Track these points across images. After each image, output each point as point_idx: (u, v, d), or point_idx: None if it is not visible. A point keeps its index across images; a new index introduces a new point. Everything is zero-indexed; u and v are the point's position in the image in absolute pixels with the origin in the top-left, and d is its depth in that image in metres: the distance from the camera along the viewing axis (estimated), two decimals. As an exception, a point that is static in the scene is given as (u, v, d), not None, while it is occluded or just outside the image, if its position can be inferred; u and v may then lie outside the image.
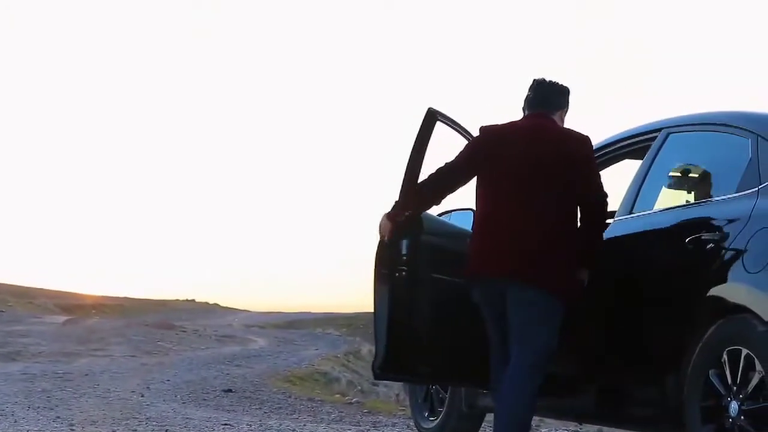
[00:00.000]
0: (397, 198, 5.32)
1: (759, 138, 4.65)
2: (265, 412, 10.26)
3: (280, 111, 69.69)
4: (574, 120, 5.35)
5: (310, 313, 45.34)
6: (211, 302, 49.68)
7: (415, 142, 5.36)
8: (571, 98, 5.29)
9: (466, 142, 5.46)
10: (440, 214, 6.08)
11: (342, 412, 10.28)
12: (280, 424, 8.10)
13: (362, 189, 68.74)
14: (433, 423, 6.26)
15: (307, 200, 71.00)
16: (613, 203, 5.36)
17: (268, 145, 70.55)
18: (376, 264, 5.35)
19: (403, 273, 5.31)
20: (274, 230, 72.10)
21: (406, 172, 5.32)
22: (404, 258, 5.34)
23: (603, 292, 5.11)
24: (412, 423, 6.77)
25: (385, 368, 5.28)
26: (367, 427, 8.41)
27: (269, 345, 22.90)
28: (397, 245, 5.35)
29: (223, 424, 7.99)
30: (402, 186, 5.32)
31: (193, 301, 49.07)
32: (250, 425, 7.94)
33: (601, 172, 5.55)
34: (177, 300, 48.91)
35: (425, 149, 5.39)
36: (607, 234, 5.20)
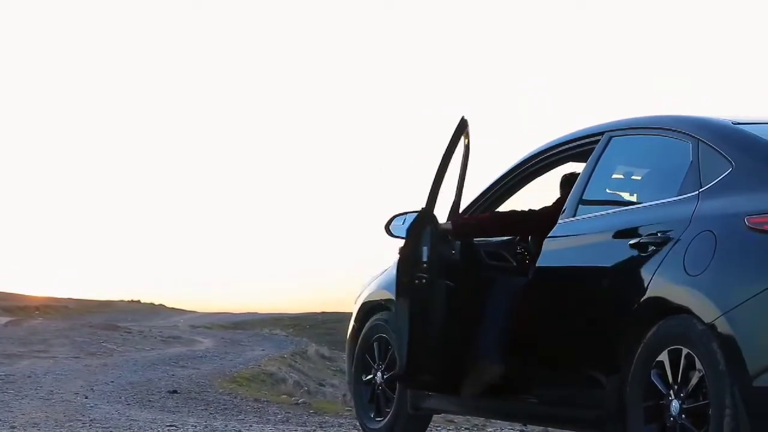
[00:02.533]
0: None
1: (700, 142, 4.75)
2: (211, 413, 10.20)
3: (231, 117, 69.44)
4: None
5: (256, 313, 45.16)
6: (156, 303, 49.29)
7: (447, 148, 5.58)
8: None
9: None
10: (394, 217, 6.12)
11: (288, 412, 10.26)
12: (226, 425, 8.06)
13: (310, 188, 68.55)
14: (379, 424, 6.27)
15: (252, 200, 70.72)
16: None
17: (209, 144, 70.15)
18: (399, 272, 5.56)
19: (423, 281, 5.46)
20: (219, 230, 71.73)
21: (435, 179, 5.58)
22: (424, 266, 5.49)
23: (548, 295, 5.19)
24: (358, 424, 6.76)
25: (408, 375, 5.45)
26: (314, 427, 8.40)
27: (215, 346, 22.79)
28: (418, 253, 5.52)
29: (168, 426, 7.93)
30: (431, 191, 5.60)
31: (138, 302, 48.66)
32: (195, 426, 7.89)
33: (545, 175, 5.73)
34: (122, 301, 48.48)
35: (452, 156, 5.61)
36: (551, 236, 5.28)
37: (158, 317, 39.08)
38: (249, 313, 45.89)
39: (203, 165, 69.94)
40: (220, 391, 12.81)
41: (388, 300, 6.27)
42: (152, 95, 68.22)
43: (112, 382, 13.32)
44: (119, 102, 66.09)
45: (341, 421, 9.18)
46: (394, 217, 6.12)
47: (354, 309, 6.71)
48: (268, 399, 12.05)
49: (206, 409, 10.61)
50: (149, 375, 14.36)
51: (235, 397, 11.88)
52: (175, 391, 12.23)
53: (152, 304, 48.86)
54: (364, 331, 6.47)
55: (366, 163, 66.56)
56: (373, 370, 6.37)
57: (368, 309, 6.52)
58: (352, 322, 6.67)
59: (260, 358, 20.20)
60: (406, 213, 6.05)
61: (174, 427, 7.77)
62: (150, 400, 11.37)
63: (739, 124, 4.83)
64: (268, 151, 68.38)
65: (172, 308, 47.64)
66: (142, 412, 9.84)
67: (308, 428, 8.14)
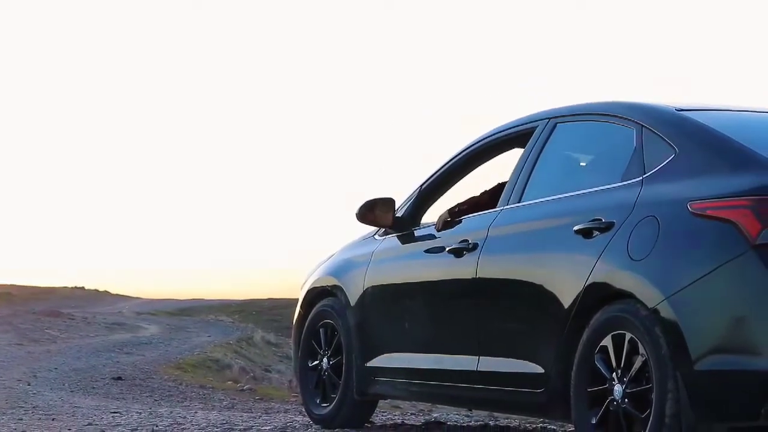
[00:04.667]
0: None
1: (643, 128, 4.80)
2: (156, 400, 10.15)
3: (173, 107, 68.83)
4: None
5: (202, 300, 44.95)
6: (100, 289, 48.86)
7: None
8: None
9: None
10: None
11: (234, 399, 10.23)
12: (171, 412, 8.01)
13: (256, 175, 68.30)
14: (325, 410, 6.28)
15: (199, 186, 70.30)
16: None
17: (158, 130, 69.55)
18: None
19: None
20: (165, 216, 71.22)
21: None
22: None
23: (493, 281, 5.21)
24: (304, 410, 6.76)
25: None
26: (259, 413, 8.38)
27: (160, 332, 22.66)
28: None
29: (112, 412, 7.87)
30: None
31: (83, 288, 48.19)
32: (140, 413, 7.84)
33: (490, 161, 5.78)
34: (65, 287, 47.99)
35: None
36: (496, 223, 5.32)
37: (102, 304, 38.76)
38: (195, 299, 45.68)
39: (151, 151, 69.39)
40: (165, 377, 12.76)
41: (335, 286, 6.31)
42: (107, 79, 67.49)
43: (56, 368, 13.21)
44: (65, 85, 65.30)
45: (287, 407, 9.17)
46: (366, 203, 6.03)
47: (300, 295, 6.71)
48: (213, 385, 12.01)
49: (151, 396, 10.55)
50: (93, 362, 14.25)
51: (180, 384, 11.84)
52: (119, 378, 12.15)
53: (96, 290, 48.42)
54: (310, 317, 6.48)
55: (324, 153, 66.40)
56: (319, 356, 6.38)
57: (314, 295, 6.53)
58: (298, 308, 6.66)
59: (206, 344, 20.12)
60: (375, 200, 6.04)
61: (118, 414, 7.72)
62: (94, 387, 11.29)
63: (682, 110, 4.87)
64: (216, 138, 68.02)
65: (117, 294, 47.28)
66: (86, 399, 9.76)
67: (254, 414, 8.12)
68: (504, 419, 7.88)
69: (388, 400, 7.57)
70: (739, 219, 4.13)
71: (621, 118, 4.96)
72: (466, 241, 5.43)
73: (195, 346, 19.16)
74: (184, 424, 6.77)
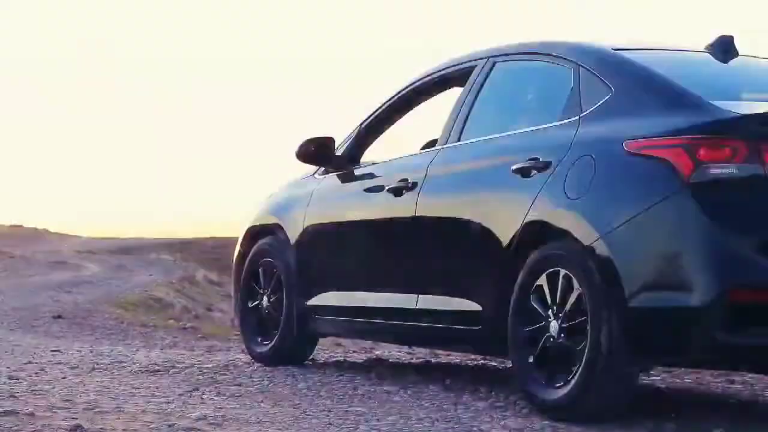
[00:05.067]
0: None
1: (580, 68, 4.83)
2: (97, 338, 10.10)
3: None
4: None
5: (144, 238, 44.63)
6: (39, 228, 48.27)
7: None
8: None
9: None
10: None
11: (176, 337, 10.22)
12: (112, 350, 7.99)
13: (199, 111, 67.66)
14: (266, 347, 6.33)
15: (140, 121, 69.44)
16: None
17: (98, 65, 68.47)
18: None
19: None
20: (105, 152, 70.35)
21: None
22: None
23: (432, 220, 5.26)
24: (245, 347, 6.79)
25: None
26: (201, 351, 8.38)
27: (102, 271, 22.52)
28: None
29: (52, 350, 7.83)
30: None
31: (21, 226, 47.56)
32: (81, 351, 7.81)
33: (430, 99, 5.85)
34: (3, 225, 47.35)
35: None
36: (435, 162, 5.33)
37: (42, 242, 38.37)
38: (136, 238, 45.33)
39: (89, 83, 68.36)
40: (107, 316, 12.69)
41: (275, 224, 6.33)
42: (57, 24, 66.20)
43: (-5, 307, 13.08)
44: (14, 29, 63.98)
45: (229, 345, 9.19)
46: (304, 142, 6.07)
47: (240, 233, 6.73)
48: (155, 324, 11.97)
49: (92, 334, 10.50)
50: (33, 300, 14.12)
51: (122, 323, 11.79)
52: (60, 316, 12.06)
53: (35, 228, 47.82)
54: (250, 255, 6.49)
55: (270, 93, 65.80)
56: (259, 295, 6.41)
57: (255, 233, 6.54)
58: (238, 247, 6.68)
59: (147, 283, 20.03)
60: (314, 138, 6.04)
61: (59, 352, 7.68)
62: (34, 325, 11.20)
63: (619, 50, 4.90)
64: (161, 74, 67.16)
65: (57, 233, 46.77)
66: (26, 337, 9.69)
67: (196, 353, 8.12)
68: (445, 356, 7.96)
69: (330, 338, 7.64)
70: (672, 158, 4.18)
71: (559, 57, 5.00)
72: (406, 180, 5.42)
73: (136, 285, 19.07)
74: (125, 362, 6.76)
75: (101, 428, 3.95)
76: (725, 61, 5.02)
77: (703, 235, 4.10)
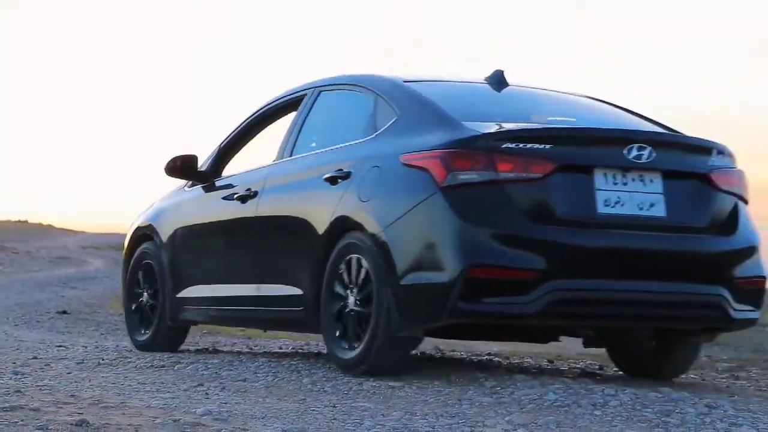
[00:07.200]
0: None
1: (378, 96, 6.00)
2: (102, 334, 10.14)
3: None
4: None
5: (148, 234, 44.59)
6: (45, 223, 48.35)
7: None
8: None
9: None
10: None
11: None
12: (117, 345, 8.01)
13: (198, 106, 67.72)
14: (145, 336, 7.33)
15: (144, 117, 69.48)
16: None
17: (95, 61, 68.51)
18: None
19: None
20: (110, 150, 70.42)
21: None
22: None
23: (267, 221, 6.37)
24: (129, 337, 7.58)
25: None
26: (205, 346, 8.40)
27: (106, 266, 22.55)
28: None
29: (57, 346, 7.85)
30: None
31: (26, 222, 47.64)
32: (86, 347, 7.82)
33: (276, 122, 6.99)
34: (8, 221, 47.41)
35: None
36: (271, 173, 6.48)
37: (47, 238, 38.43)
38: (141, 234, 45.27)
39: (97, 82, 68.42)
40: (111, 311, 12.72)
41: (152, 230, 7.41)
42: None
43: (-1, 302, 13.11)
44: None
45: (234, 341, 9.20)
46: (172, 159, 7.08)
47: (127, 236, 7.81)
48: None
49: (97, 330, 10.54)
50: (38, 296, 14.17)
51: (127, 318, 11.77)
52: (64, 312, 12.10)
53: (40, 224, 47.92)
54: (133, 257, 7.56)
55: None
56: (140, 291, 7.45)
57: (137, 237, 7.60)
58: (124, 250, 7.76)
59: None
60: (180, 156, 7.03)
61: (64, 348, 7.69)
62: (39, 321, 11.24)
63: (408, 81, 6.06)
64: (165, 72, 67.24)
65: (62, 229, 46.85)
66: (31, 333, 9.72)
67: (200, 348, 8.13)
68: (449, 351, 7.98)
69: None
70: (431, 167, 5.34)
71: (364, 87, 6.17)
72: (250, 189, 6.55)
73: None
74: (130, 357, 6.78)
75: (106, 423, 3.96)
76: (499, 90, 6.23)
77: (451, 227, 5.24)
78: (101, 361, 6.59)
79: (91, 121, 67.79)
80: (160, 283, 7.19)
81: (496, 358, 7.26)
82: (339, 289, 5.69)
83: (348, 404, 4.81)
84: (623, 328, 5.88)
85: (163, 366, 6.32)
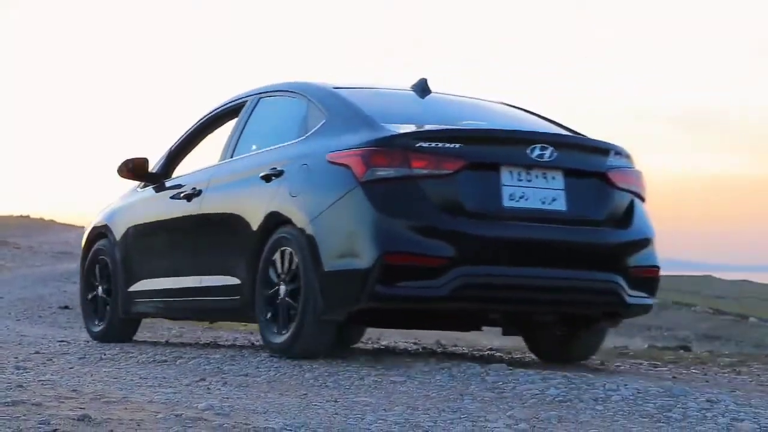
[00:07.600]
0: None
1: (309, 101, 6.51)
2: (104, 329, 10.09)
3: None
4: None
5: (150, 229, 44.60)
6: (47, 218, 48.37)
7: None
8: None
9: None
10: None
11: (182, 327, 10.24)
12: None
13: (199, 102, 67.77)
14: (99, 327, 7.81)
15: (145, 114, 69.56)
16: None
17: (105, 58, 68.56)
18: None
19: None
20: (112, 145, 70.46)
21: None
22: None
23: (209, 217, 6.84)
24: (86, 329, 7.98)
25: None
26: (207, 341, 8.41)
27: (108, 262, 22.51)
28: None
29: (59, 341, 7.86)
30: None
31: (28, 217, 47.66)
32: (88, 341, 7.84)
33: (217, 130, 7.53)
34: (10, 216, 47.44)
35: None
36: (214, 173, 6.97)
37: (49, 233, 38.44)
38: (142, 229, 45.31)
39: (94, 81, 68.42)
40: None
41: (107, 228, 7.86)
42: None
43: (1, 298, 13.14)
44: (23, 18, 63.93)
45: (236, 336, 9.21)
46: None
47: (84, 235, 8.24)
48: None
49: (99, 325, 10.49)
50: (40, 291, 14.17)
51: (129, 313, 11.77)
52: (66, 307, 12.10)
53: (42, 219, 47.92)
54: (90, 254, 8.01)
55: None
56: (96, 286, 7.90)
57: (93, 236, 8.05)
58: (82, 247, 8.17)
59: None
60: (131, 159, 7.47)
61: (65, 343, 7.71)
62: (41, 316, 11.25)
63: (337, 88, 6.56)
64: (168, 72, 67.24)
65: (64, 224, 46.88)
66: (33, 328, 9.73)
67: (202, 343, 8.13)
68: (452, 346, 7.99)
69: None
70: (352, 164, 5.80)
71: (298, 93, 6.66)
72: (195, 188, 7.03)
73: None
74: (132, 352, 6.79)
75: (108, 418, 3.96)
76: (422, 97, 6.73)
77: (369, 218, 5.69)
78: (103, 356, 6.60)
79: (92, 117, 67.81)
80: (113, 278, 7.69)
81: (498, 353, 7.27)
82: (271, 278, 6.16)
83: (350, 399, 4.82)
84: (527, 312, 6.30)
85: (165, 361, 6.32)
